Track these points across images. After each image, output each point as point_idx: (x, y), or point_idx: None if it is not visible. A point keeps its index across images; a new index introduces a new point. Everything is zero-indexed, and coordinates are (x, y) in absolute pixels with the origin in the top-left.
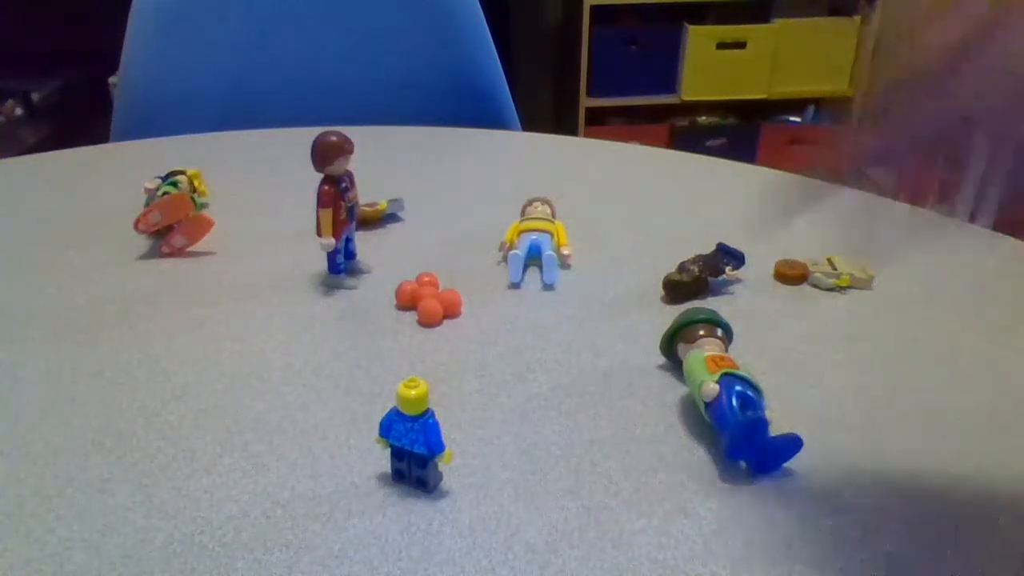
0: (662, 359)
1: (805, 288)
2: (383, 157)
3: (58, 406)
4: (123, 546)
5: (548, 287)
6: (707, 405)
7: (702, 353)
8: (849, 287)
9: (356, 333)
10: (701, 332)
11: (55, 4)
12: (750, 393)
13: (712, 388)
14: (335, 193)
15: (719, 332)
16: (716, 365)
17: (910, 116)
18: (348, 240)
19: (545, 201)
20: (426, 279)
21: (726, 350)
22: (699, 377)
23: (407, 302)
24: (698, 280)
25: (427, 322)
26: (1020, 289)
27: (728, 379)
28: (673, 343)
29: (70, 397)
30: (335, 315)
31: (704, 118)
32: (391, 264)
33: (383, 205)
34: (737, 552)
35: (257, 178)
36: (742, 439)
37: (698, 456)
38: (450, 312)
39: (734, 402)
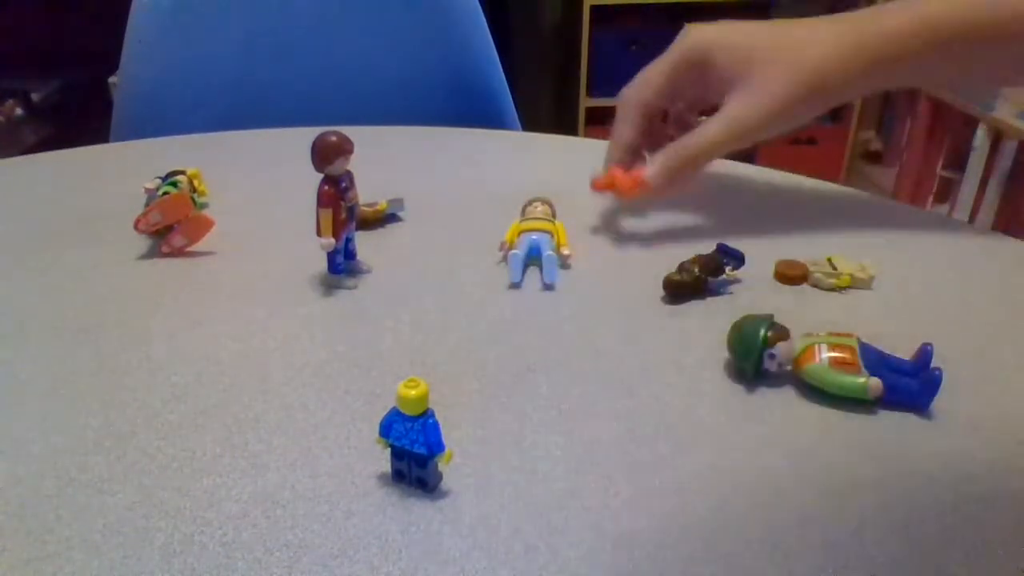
0: (662, 359)
1: (805, 288)
2: (383, 157)
3: (58, 406)
4: (123, 546)
5: (548, 287)
6: (878, 398)
7: (825, 366)
8: (849, 287)
9: (356, 333)
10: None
11: (55, 4)
12: (876, 354)
13: (876, 384)
14: (335, 193)
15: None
16: (845, 364)
17: None
18: (348, 240)
19: (545, 201)
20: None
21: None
22: (850, 384)
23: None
24: (698, 280)
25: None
26: (1020, 289)
27: (873, 370)
28: (761, 360)
29: (70, 397)
30: (335, 315)
31: (704, 118)
32: (391, 264)
33: (383, 205)
34: (737, 551)
35: (257, 178)
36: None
37: (698, 456)
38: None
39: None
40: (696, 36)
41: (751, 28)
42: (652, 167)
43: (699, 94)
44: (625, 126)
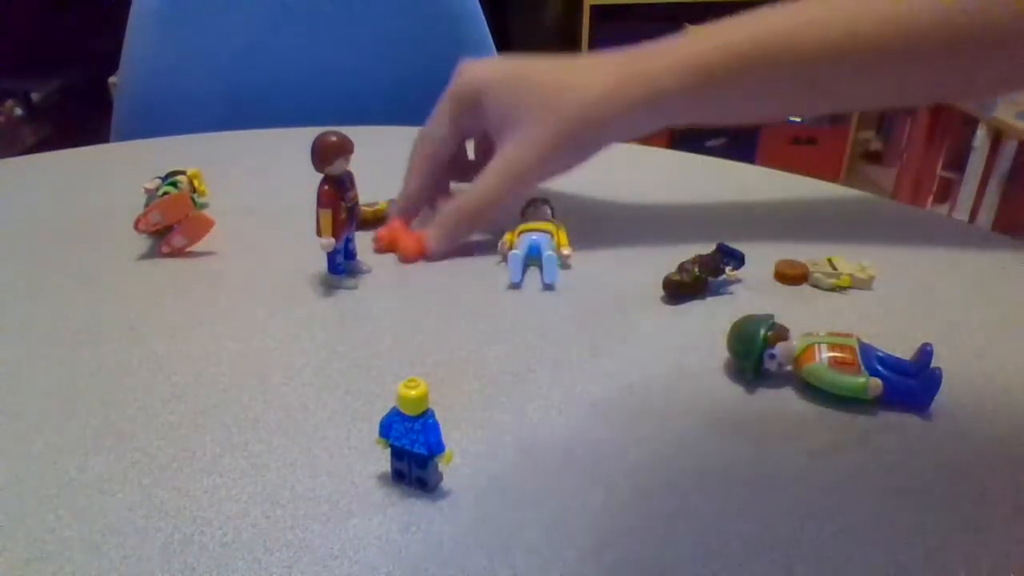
0: (662, 359)
1: (805, 288)
2: (383, 157)
3: (58, 406)
4: (123, 546)
5: (548, 287)
6: (877, 398)
7: (825, 366)
8: (849, 287)
9: (356, 333)
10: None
11: (56, 4)
12: (876, 354)
13: (876, 384)
14: (335, 193)
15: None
16: (845, 364)
17: None
18: (348, 240)
19: (545, 201)
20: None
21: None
22: (850, 384)
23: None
24: (698, 280)
25: (407, 258)
26: (1020, 289)
27: (873, 370)
28: (761, 360)
29: (70, 397)
30: (335, 315)
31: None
32: (391, 264)
33: (383, 205)
34: (738, 551)
35: (257, 178)
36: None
37: (698, 456)
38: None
39: (899, 381)
40: (468, 77)
41: (527, 66)
42: (432, 230)
43: (482, 132)
44: (412, 177)
